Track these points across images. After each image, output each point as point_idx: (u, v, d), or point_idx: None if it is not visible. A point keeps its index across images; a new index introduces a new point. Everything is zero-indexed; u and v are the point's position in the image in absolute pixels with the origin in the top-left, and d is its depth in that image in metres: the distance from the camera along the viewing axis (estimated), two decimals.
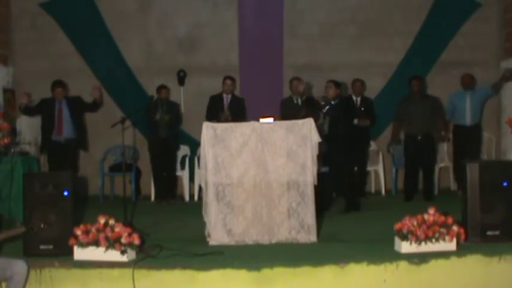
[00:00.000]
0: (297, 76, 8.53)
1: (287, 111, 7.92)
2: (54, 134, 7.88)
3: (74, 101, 8.01)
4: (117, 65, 9.37)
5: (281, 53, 9.48)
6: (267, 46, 9.42)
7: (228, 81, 8.43)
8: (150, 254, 4.86)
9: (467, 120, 8.53)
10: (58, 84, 7.95)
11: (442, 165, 9.12)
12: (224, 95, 8.41)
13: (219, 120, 7.68)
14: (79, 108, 8.06)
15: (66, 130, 7.87)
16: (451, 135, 8.84)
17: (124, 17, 9.50)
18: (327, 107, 7.29)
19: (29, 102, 7.93)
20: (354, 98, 8.48)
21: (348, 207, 7.29)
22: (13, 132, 7.13)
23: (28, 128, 8.64)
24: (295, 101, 8.23)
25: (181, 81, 9.51)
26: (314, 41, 9.56)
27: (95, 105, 7.99)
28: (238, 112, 8.26)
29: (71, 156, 8.04)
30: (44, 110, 7.94)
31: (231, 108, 8.30)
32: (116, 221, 4.85)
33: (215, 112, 8.20)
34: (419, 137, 8.14)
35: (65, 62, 9.26)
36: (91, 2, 9.32)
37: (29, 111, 8.00)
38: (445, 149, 9.16)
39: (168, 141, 8.50)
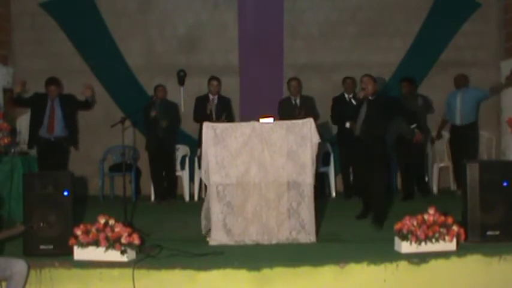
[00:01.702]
0: (294, 76, 8.54)
1: (285, 112, 7.93)
2: (42, 130, 7.76)
3: (67, 99, 7.92)
4: (117, 65, 9.36)
5: (281, 53, 9.47)
6: (267, 46, 9.41)
7: (214, 82, 8.37)
8: (150, 254, 4.87)
9: (457, 120, 8.51)
10: (52, 81, 7.85)
11: (442, 165, 9.10)
12: (210, 96, 8.36)
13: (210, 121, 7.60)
14: (72, 106, 7.97)
15: (57, 128, 7.78)
16: (445, 134, 8.92)
17: (124, 17, 9.50)
18: (365, 102, 6.65)
19: (23, 92, 7.83)
20: (346, 95, 8.49)
21: (376, 217, 6.30)
22: (13, 132, 7.11)
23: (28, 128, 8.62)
24: (294, 102, 8.24)
25: (181, 81, 9.51)
26: (314, 41, 9.57)
27: (87, 105, 7.89)
28: (226, 112, 8.21)
29: (61, 155, 7.94)
30: (35, 104, 7.84)
31: (218, 109, 8.23)
32: (116, 221, 4.85)
33: (203, 113, 8.07)
34: (408, 137, 8.14)
35: (65, 62, 9.25)
36: (91, 2, 9.32)
37: (20, 101, 7.89)
38: (444, 149, 9.15)
39: (165, 141, 8.48)
